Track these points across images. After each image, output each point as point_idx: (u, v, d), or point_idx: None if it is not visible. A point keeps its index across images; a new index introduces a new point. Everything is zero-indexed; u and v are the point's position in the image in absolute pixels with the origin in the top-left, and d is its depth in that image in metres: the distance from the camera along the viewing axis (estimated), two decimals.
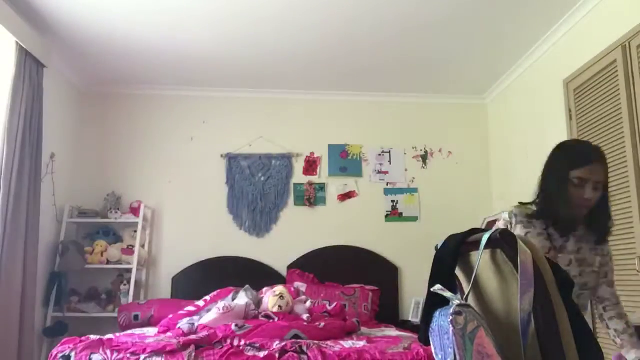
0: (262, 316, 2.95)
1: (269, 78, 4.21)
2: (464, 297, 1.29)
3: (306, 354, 2.18)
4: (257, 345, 2.25)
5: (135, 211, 4.03)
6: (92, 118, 4.31)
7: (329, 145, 4.45)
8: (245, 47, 3.64)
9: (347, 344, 2.46)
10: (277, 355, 2.16)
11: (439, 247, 1.45)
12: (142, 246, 4.02)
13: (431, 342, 1.24)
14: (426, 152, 4.52)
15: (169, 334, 2.68)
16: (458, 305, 1.13)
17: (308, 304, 3.24)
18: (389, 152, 4.48)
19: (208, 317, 2.95)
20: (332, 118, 4.51)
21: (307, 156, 4.42)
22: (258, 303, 3.18)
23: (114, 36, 3.46)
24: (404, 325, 3.79)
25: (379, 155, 4.47)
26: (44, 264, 3.61)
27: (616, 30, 2.71)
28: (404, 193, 4.42)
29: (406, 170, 4.47)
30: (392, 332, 3.20)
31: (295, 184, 4.34)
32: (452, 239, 1.42)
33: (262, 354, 2.18)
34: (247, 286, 3.31)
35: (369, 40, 3.53)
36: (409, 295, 4.17)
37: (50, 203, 3.72)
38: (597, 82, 2.89)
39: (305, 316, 2.99)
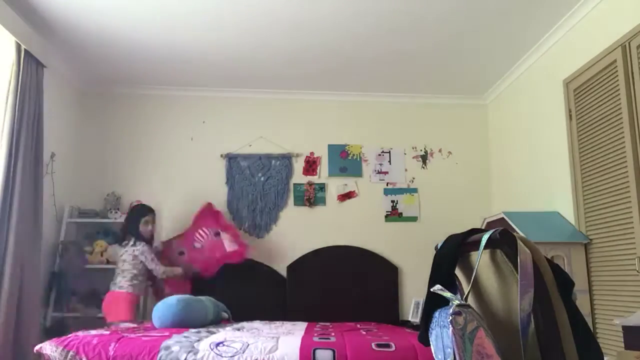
0: None
1: (269, 78, 4.20)
2: (464, 297, 1.29)
3: None
4: None
5: None
6: (92, 118, 4.32)
7: (329, 145, 4.45)
8: (245, 47, 3.63)
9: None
10: None
11: (439, 247, 1.46)
12: None
13: (431, 342, 1.24)
14: (426, 152, 4.52)
15: None
16: (458, 305, 1.13)
17: None
18: (389, 152, 4.48)
19: None
20: (332, 118, 4.51)
21: (306, 156, 4.41)
22: None
23: (114, 36, 3.46)
24: (404, 325, 3.79)
25: (379, 155, 4.47)
26: (44, 264, 3.60)
27: (616, 30, 2.71)
28: (404, 193, 4.42)
29: (406, 170, 4.47)
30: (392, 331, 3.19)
31: (295, 184, 4.34)
32: (452, 239, 1.42)
33: None
34: None
35: (368, 40, 3.53)
36: (409, 295, 4.17)
37: (50, 203, 3.71)
38: (597, 82, 2.88)
39: None
